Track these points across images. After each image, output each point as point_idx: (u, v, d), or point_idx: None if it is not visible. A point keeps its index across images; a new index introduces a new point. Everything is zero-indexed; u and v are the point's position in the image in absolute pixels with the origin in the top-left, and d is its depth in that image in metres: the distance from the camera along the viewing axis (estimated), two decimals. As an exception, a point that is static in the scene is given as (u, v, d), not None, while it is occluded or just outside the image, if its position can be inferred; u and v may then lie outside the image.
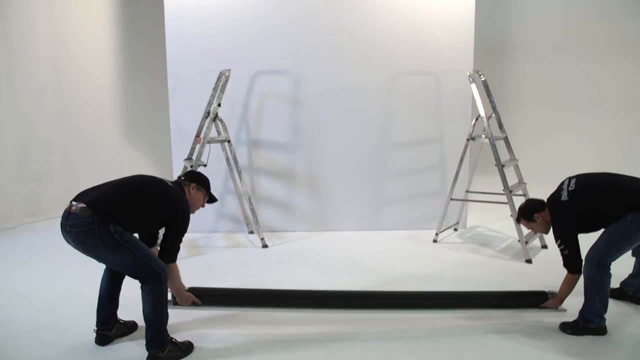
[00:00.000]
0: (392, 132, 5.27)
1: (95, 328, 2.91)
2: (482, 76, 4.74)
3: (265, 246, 4.77)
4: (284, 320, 3.21)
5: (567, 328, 3.00)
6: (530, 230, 4.57)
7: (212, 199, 3.12)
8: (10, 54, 5.82)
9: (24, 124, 6.03)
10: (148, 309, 2.68)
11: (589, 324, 2.96)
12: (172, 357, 2.69)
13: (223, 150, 4.92)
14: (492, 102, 4.73)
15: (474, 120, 4.79)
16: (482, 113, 4.61)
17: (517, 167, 4.74)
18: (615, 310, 3.01)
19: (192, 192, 2.99)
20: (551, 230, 3.18)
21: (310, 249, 4.75)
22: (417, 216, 5.37)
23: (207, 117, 4.60)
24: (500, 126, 4.80)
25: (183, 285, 3.02)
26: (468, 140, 4.78)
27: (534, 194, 4.87)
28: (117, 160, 7.40)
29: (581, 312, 3.00)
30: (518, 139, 5.57)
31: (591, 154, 7.48)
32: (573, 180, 3.09)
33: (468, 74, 4.79)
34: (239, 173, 4.87)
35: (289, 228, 5.35)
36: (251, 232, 5.26)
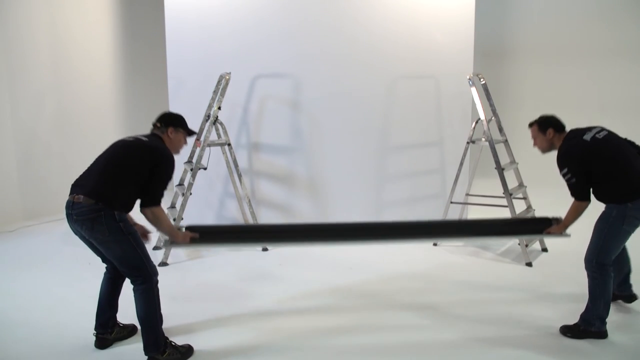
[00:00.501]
0: (392, 135, 5.27)
1: (95, 332, 2.91)
2: (482, 79, 4.74)
3: (265, 249, 4.76)
4: (282, 318, 3.20)
5: (568, 331, 2.99)
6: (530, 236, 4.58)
7: (190, 133, 3.10)
8: (10, 58, 5.83)
9: (25, 127, 6.04)
10: (141, 311, 2.71)
11: (590, 327, 2.95)
12: None
13: (223, 153, 4.92)
14: (492, 105, 4.73)
15: (474, 123, 4.79)
16: (482, 116, 4.61)
17: (517, 170, 4.74)
18: (613, 311, 3.01)
19: (172, 135, 2.97)
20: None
21: (310, 252, 4.74)
22: (418, 219, 5.36)
23: (207, 121, 4.60)
24: (500, 129, 4.80)
25: (174, 226, 3.01)
26: (468, 143, 4.78)
27: (535, 197, 4.90)
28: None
29: (583, 314, 2.99)
30: (518, 142, 5.56)
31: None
32: (604, 132, 3.00)
33: (468, 77, 4.80)
34: (239, 176, 4.88)
35: (289, 231, 5.34)
36: (251, 235, 5.26)
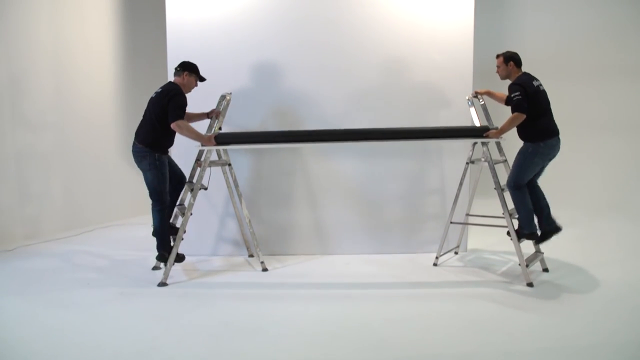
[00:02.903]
0: (392, 155, 5.28)
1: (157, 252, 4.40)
2: (481, 100, 4.78)
3: (265, 270, 4.75)
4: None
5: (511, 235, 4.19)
6: (532, 253, 4.57)
7: (202, 78, 4.45)
8: (12, 76, 5.88)
9: (25, 145, 6.07)
10: (157, 224, 4.36)
11: (522, 230, 4.20)
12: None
13: (224, 173, 4.94)
14: (491, 125, 4.75)
15: (473, 143, 4.81)
16: (481, 136, 4.63)
17: (516, 190, 4.74)
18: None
19: (186, 78, 4.33)
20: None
21: (310, 272, 4.73)
22: (417, 239, 5.36)
23: (208, 141, 4.62)
24: (500, 149, 4.81)
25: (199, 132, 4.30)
26: (467, 163, 4.80)
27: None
28: (119, 183, 7.42)
29: (518, 224, 4.26)
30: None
31: (592, 177, 7.48)
32: (542, 87, 4.21)
33: (467, 97, 4.83)
34: (240, 196, 4.88)
35: (288, 251, 5.33)
36: (251, 256, 5.25)
